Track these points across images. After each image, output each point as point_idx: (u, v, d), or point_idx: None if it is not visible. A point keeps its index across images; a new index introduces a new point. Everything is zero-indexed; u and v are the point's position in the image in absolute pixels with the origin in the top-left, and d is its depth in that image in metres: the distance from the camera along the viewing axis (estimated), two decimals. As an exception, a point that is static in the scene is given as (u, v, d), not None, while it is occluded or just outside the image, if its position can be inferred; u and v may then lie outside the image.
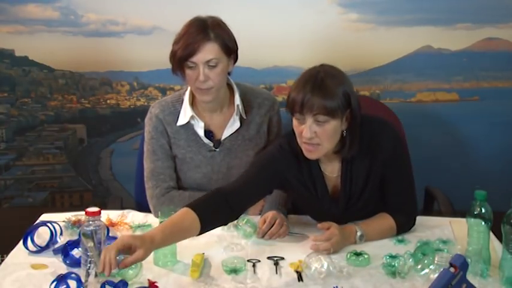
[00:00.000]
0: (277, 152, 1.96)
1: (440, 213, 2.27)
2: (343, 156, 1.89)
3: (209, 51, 1.97)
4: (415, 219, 1.98)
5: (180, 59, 1.97)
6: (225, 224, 1.88)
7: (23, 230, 1.85)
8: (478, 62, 3.11)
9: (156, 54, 3.04)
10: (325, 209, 1.97)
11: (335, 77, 1.79)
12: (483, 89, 3.15)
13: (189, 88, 2.15)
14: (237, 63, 2.11)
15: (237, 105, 2.14)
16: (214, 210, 1.77)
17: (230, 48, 2.03)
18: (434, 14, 2.99)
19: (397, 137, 1.95)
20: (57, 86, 3.25)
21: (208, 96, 2.04)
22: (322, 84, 1.75)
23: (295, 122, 1.81)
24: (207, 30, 1.97)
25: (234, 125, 2.16)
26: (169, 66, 2.05)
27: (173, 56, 2.01)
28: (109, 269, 1.48)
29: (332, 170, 1.96)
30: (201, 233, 1.73)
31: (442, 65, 3.10)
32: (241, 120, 2.16)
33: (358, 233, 1.87)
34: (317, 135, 1.77)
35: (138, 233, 1.94)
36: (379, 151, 1.89)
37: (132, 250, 1.53)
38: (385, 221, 1.93)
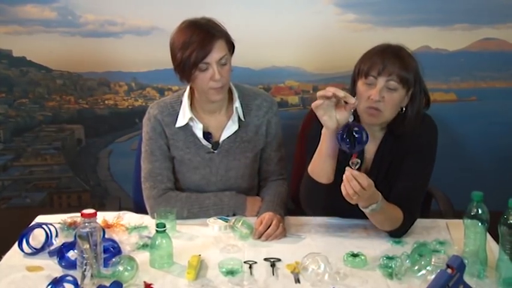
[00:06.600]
0: None
1: (439, 212, 2.27)
2: (391, 131, 1.98)
3: (219, 49, 1.98)
4: (411, 225, 1.94)
5: (195, 63, 1.95)
6: None
7: (22, 231, 1.85)
8: (475, 63, 3.10)
9: (154, 55, 3.03)
10: None
11: (410, 55, 1.93)
12: (481, 89, 3.15)
13: (187, 89, 2.15)
14: (235, 64, 2.11)
15: (236, 108, 2.14)
16: None
17: (232, 44, 2.05)
18: (431, 14, 2.99)
19: (434, 133, 2.01)
20: (55, 87, 3.24)
21: (220, 95, 2.06)
22: (400, 55, 1.89)
23: (362, 87, 1.89)
24: (209, 29, 1.98)
25: (232, 127, 2.15)
26: (167, 66, 2.05)
27: (184, 63, 1.97)
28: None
29: (369, 150, 2.00)
30: None
31: (439, 66, 3.09)
32: (240, 122, 2.16)
33: (379, 201, 1.78)
34: (383, 100, 1.86)
35: (134, 234, 1.95)
36: (413, 136, 1.95)
37: None
38: (397, 211, 1.88)
